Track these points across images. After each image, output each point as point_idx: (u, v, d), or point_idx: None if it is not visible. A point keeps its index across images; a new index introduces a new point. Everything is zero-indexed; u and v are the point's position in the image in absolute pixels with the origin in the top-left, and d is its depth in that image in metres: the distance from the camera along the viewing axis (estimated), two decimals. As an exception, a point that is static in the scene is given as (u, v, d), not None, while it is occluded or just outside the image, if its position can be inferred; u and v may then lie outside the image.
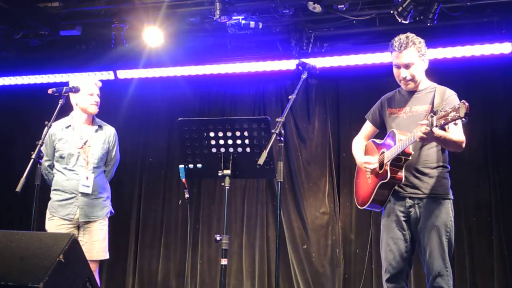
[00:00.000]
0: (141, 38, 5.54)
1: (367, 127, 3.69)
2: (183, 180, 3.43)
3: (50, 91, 3.80)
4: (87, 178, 4.12)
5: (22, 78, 6.58)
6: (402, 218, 3.31)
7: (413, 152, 3.24)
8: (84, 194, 4.11)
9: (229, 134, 3.26)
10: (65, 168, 4.15)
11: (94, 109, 4.23)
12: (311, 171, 5.99)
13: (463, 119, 2.74)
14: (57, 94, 3.80)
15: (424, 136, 2.99)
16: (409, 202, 3.29)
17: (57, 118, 3.86)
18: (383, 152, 3.38)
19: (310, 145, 6.04)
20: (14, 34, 5.64)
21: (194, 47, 5.95)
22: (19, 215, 6.52)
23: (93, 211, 4.15)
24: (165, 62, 6.09)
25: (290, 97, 3.38)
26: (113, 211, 4.34)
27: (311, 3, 4.85)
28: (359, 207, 3.61)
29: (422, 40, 3.36)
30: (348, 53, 5.66)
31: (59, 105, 3.74)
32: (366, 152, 3.64)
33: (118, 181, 5.64)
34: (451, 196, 3.31)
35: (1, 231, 2.88)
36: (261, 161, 3.03)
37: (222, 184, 3.25)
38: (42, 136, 3.64)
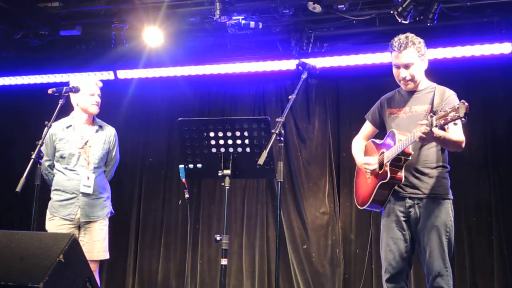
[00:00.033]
0: (141, 38, 5.54)
1: (367, 127, 3.69)
2: (183, 180, 3.43)
3: (50, 91, 3.80)
4: (88, 178, 4.13)
5: (22, 78, 6.58)
6: (402, 218, 3.31)
7: (412, 152, 3.24)
8: (85, 194, 4.12)
9: (229, 134, 3.26)
10: (66, 168, 4.15)
11: (95, 109, 4.23)
12: (311, 171, 5.99)
13: (463, 119, 2.74)
14: (57, 94, 3.80)
15: (424, 136, 2.99)
16: (409, 202, 3.29)
17: (57, 118, 3.86)
18: (382, 152, 3.38)
19: (310, 145, 6.04)
20: (14, 34, 5.64)
21: (194, 47, 5.95)
22: (19, 215, 6.53)
23: (93, 211, 4.15)
24: (165, 62, 6.09)
25: (290, 97, 3.38)
26: (113, 211, 4.35)
27: (311, 3, 4.85)
28: (359, 207, 3.61)
29: (422, 40, 3.36)
30: (348, 53, 5.66)
31: (59, 105, 3.74)
32: (366, 152, 3.64)
33: (118, 181, 5.64)
34: (451, 196, 3.31)
35: (1, 231, 2.88)
36: (261, 161, 3.03)
37: (222, 184, 3.25)
38: (42, 136, 3.64)
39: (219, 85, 6.35)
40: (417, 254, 3.36)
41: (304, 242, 5.86)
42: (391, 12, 4.84)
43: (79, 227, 4.14)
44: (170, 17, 5.51)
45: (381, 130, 3.62)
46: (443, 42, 5.31)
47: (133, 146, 6.40)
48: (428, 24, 4.84)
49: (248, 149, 3.27)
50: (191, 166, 3.37)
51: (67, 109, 4.10)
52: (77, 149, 4.17)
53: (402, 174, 3.25)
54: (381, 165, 3.37)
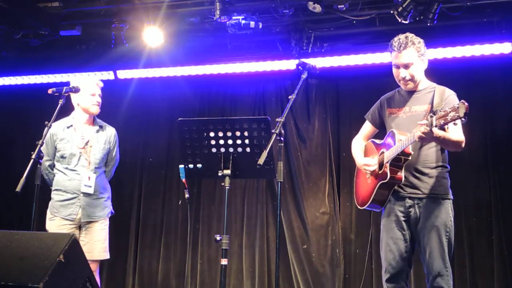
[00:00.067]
0: (141, 38, 5.54)
1: (367, 127, 3.69)
2: (183, 180, 3.43)
3: (50, 91, 3.80)
4: (89, 178, 4.13)
5: (22, 78, 6.58)
6: (402, 218, 3.31)
7: (412, 152, 3.24)
8: (86, 194, 4.12)
9: (229, 134, 3.26)
10: (67, 168, 4.15)
11: (96, 110, 4.24)
12: (311, 171, 5.99)
13: (463, 119, 2.74)
14: (57, 94, 3.80)
15: (424, 136, 2.99)
16: (408, 202, 3.29)
17: (57, 118, 3.85)
18: (382, 152, 3.38)
19: (310, 145, 6.04)
20: (14, 34, 5.64)
21: (194, 47, 5.95)
22: (19, 215, 6.53)
23: (95, 211, 4.16)
24: (165, 62, 6.09)
25: (290, 97, 3.38)
26: (113, 211, 4.35)
27: (311, 3, 4.85)
28: (359, 207, 3.61)
29: (422, 40, 3.36)
30: (348, 53, 5.66)
31: (59, 105, 3.74)
32: (366, 152, 3.64)
33: (118, 181, 5.64)
34: (450, 196, 3.31)
35: (1, 231, 2.87)
36: (261, 161, 3.03)
37: (222, 184, 3.25)
38: (42, 136, 3.64)
39: (219, 85, 6.35)
40: (417, 254, 3.36)
41: (304, 242, 5.86)
42: (391, 12, 4.84)
43: (79, 227, 4.14)
44: (170, 17, 5.51)
45: (381, 130, 3.62)
46: (443, 42, 5.31)
47: (133, 146, 6.40)
48: (428, 24, 4.84)
49: (248, 149, 3.27)
50: (191, 166, 3.37)
51: (67, 109, 4.10)
52: (78, 149, 4.17)
53: (402, 174, 3.25)
54: (381, 165, 3.37)
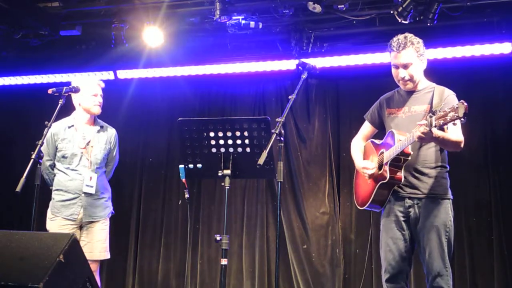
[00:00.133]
0: (141, 38, 5.55)
1: (366, 128, 3.69)
2: (183, 180, 3.43)
3: (50, 91, 3.80)
4: (90, 178, 4.13)
5: (22, 78, 6.58)
6: (402, 218, 3.31)
7: (412, 152, 3.24)
8: (88, 194, 4.12)
9: (229, 134, 3.26)
10: (68, 168, 4.15)
11: (98, 110, 4.24)
12: (311, 171, 5.99)
13: (462, 119, 2.74)
14: (57, 94, 3.80)
15: (423, 136, 2.99)
16: (408, 202, 3.29)
17: (57, 118, 3.85)
18: (382, 153, 3.38)
19: (310, 145, 6.05)
20: (14, 34, 5.64)
21: (194, 47, 5.95)
22: (19, 215, 6.53)
23: (96, 211, 4.16)
24: (165, 62, 6.09)
25: (290, 97, 3.38)
26: (113, 211, 4.35)
27: (311, 3, 4.85)
28: (358, 207, 3.61)
29: (421, 40, 3.36)
30: (348, 53, 5.66)
31: (59, 105, 3.74)
32: (365, 153, 3.64)
33: (118, 181, 5.64)
34: (450, 196, 3.31)
35: (1, 231, 2.87)
36: (261, 161, 3.03)
37: (222, 184, 3.25)
38: (42, 136, 3.64)
39: (219, 85, 6.35)
40: (417, 254, 3.36)
41: (304, 242, 5.86)
42: (391, 12, 4.84)
43: (80, 227, 4.14)
44: (170, 17, 5.51)
45: (380, 130, 3.62)
46: (443, 42, 5.31)
47: (133, 146, 6.40)
48: (428, 24, 4.84)
49: (248, 149, 3.27)
50: (191, 166, 3.37)
51: (67, 109, 4.10)
52: (80, 149, 4.17)
53: (401, 174, 3.25)
54: (380, 165, 3.36)
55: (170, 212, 6.35)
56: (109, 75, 6.29)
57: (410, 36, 3.33)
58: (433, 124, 2.87)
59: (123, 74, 6.31)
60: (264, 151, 3.07)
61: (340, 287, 5.67)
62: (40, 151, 3.52)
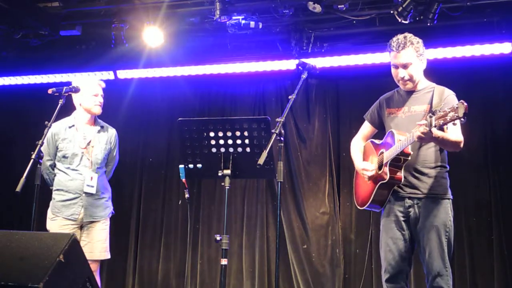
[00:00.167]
0: (141, 38, 5.55)
1: (366, 128, 3.69)
2: (183, 180, 3.43)
3: (50, 91, 3.80)
4: (91, 178, 4.13)
5: (22, 78, 6.58)
6: (401, 218, 3.31)
7: (412, 152, 3.24)
8: (88, 194, 4.12)
9: (229, 134, 3.26)
10: (68, 168, 4.16)
11: (98, 110, 4.25)
12: (311, 171, 5.99)
13: (462, 119, 2.74)
14: (57, 94, 3.80)
15: (423, 136, 2.99)
16: (408, 202, 3.29)
17: (57, 118, 3.86)
18: (382, 153, 3.38)
19: (310, 145, 6.05)
20: (14, 34, 5.64)
21: (194, 47, 5.95)
22: (19, 215, 6.53)
23: (96, 211, 4.17)
24: (165, 62, 6.09)
25: (290, 97, 3.38)
26: (113, 211, 4.35)
27: (311, 3, 4.85)
28: (358, 207, 3.60)
29: (420, 40, 3.36)
30: (348, 53, 5.66)
31: (59, 105, 3.74)
32: (365, 153, 3.64)
33: (118, 181, 5.64)
34: (450, 196, 3.31)
35: (1, 231, 2.87)
36: (261, 161, 3.03)
37: (222, 184, 3.25)
38: (43, 136, 3.64)
39: (219, 85, 6.35)
40: (417, 254, 3.36)
41: (304, 242, 5.86)
42: (391, 12, 4.84)
43: (81, 227, 4.14)
44: (170, 17, 5.51)
45: (380, 130, 3.61)
46: (443, 42, 5.31)
47: (133, 146, 6.40)
48: (428, 24, 4.84)
49: (248, 149, 3.27)
50: (191, 166, 3.37)
51: (67, 109, 4.10)
52: (80, 149, 4.18)
53: (401, 174, 3.25)
54: (380, 165, 3.36)
55: (170, 212, 6.35)
56: (109, 75, 6.30)
57: (409, 36, 3.33)
58: (433, 124, 2.87)
59: (123, 74, 6.31)
60: (264, 151, 3.07)
61: (340, 287, 5.67)
62: (40, 151, 3.52)
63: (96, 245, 4.11)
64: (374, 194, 3.37)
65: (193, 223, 6.16)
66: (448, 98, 3.24)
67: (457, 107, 2.75)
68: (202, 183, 6.28)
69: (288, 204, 5.95)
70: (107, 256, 4.21)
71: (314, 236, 5.84)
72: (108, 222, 4.25)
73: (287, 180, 5.93)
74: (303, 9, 5.29)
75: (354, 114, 5.63)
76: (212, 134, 3.28)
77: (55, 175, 4.21)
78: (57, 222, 4.10)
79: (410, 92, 3.42)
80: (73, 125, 4.23)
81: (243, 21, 5.18)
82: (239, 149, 3.28)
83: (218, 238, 3.16)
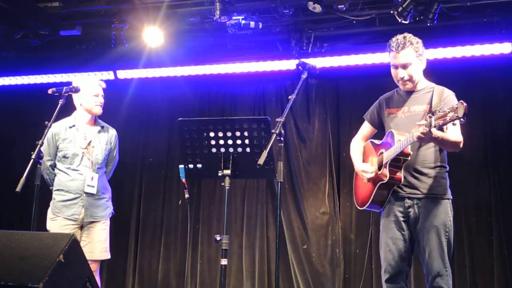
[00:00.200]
0: (141, 38, 5.55)
1: (366, 128, 3.69)
2: (183, 180, 3.43)
3: (50, 91, 3.80)
4: (92, 178, 4.14)
5: (22, 78, 6.58)
6: (401, 219, 3.31)
7: (411, 153, 3.24)
8: (89, 194, 4.13)
9: (229, 134, 3.26)
10: (69, 168, 4.16)
11: (99, 110, 4.25)
12: (311, 171, 5.99)
13: (462, 119, 2.74)
14: (57, 94, 3.80)
15: (422, 136, 2.99)
16: (408, 202, 3.29)
17: (57, 118, 3.86)
18: (381, 153, 3.38)
19: (310, 145, 6.05)
20: (14, 34, 5.65)
21: (194, 47, 5.95)
22: (19, 215, 6.53)
23: (97, 211, 4.17)
24: (165, 62, 6.09)
25: (290, 97, 3.38)
26: (113, 211, 4.35)
27: (311, 3, 4.85)
28: (358, 207, 3.60)
29: (420, 40, 3.36)
30: (348, 53, 5.66)
31: (59, 105, 3.74)
32: (365, 153, 3.63)
33: (118, 181, 5.64)
34: (450, 196, 3.30)
35: (1, 231, 2.88)
36: (261, 161, 3.03)
37: (222, 184, 3.25)
38: (43, 136, 3.64)
39: (219, 85, 6.35)
40: (417, 254, 3.36)
41: (304, 242, 5.86)
42: (391, 12, 4.84)
43: (81, 227, 4.14)
44: (170, 17, 5.51)
45: (380, 130, 3.61)
46: (443, 42, 5.31)
47: (133, 146, 6.40)
48: (428, 24, 4.84)
49: (248, 149, 3.27)
50: (191, 166, 3.37)
51: (67, 109, 4.11)
52: (81, 149, 4.18)
53: (401, 174, 3.25)
54: (380, 165, 3.36)
55: (170, 212, 6.35)
56: (109, 75, 6.30)
57: (409, 36, 3.33)
58: (433, 124, 2.87)
59: (123, 74, 6.31)
60: (264, 151, 3.07)
61: (340, 287, 5.67)
62: (40, 151, 3.52)
63: (96, 245, 4.12)
64: (373, 195, 3.37)
65: (193, 223, 6.16)
66: (447, 98, 3.24)
67: (456, 107, 2.75)
68: (202, 183, 6.28)
69: (288, 204, 5.95)
70: (107, 256, 4.21)
71: (314, 236, 5.84)
72: (108, 222, 4.25)
73: (287, 180, 5.93)
74: (303, 9, 5.29)
75: (354, 114, 5.63)
76: (212, 134, 3.28)
77: (55, 175, 4.21)
78: (57, 222, 4.10)
79: (409, 92, 3.42)
80: (74, 125, 4.23)
81: (243, 21, 5.18)
82: (239, 149, 3.28)
83: (218, 238, 3.16)
